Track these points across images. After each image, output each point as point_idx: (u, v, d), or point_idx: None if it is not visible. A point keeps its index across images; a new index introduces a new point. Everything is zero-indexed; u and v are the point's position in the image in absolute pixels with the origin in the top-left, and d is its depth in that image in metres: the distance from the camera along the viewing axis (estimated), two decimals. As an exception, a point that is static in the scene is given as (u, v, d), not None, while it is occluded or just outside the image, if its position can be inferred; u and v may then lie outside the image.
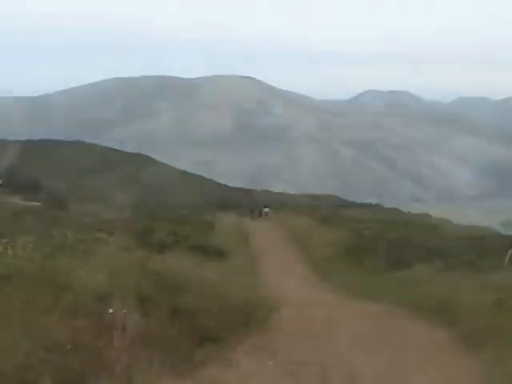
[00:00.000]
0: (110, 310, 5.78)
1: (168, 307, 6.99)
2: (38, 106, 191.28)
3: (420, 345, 7.92)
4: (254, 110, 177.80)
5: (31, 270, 5.90)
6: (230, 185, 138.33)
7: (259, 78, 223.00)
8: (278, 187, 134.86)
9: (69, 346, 5.18)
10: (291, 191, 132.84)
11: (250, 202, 60.84)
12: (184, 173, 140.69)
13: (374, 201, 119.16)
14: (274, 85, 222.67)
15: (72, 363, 5.05)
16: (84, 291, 5.84)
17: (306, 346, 7.75)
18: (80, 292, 5.79)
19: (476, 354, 7.18)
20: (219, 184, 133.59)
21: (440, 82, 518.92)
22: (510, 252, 14.87)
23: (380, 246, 20.84)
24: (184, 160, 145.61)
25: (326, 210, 45.89)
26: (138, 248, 9.57)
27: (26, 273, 5.78)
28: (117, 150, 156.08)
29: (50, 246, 6.89)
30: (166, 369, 5.98)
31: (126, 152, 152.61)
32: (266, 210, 43.70)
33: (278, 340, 8.20)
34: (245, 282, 12.99)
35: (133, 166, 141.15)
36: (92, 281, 6.14)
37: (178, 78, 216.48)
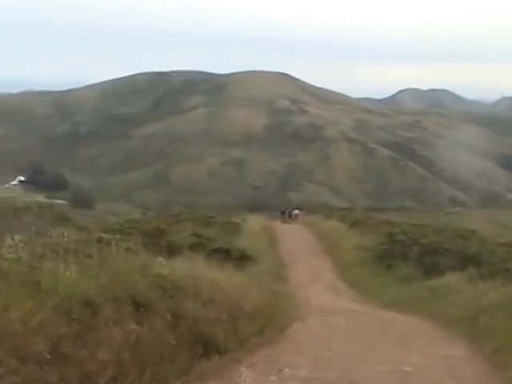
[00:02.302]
0: None
1: (168, 314, 6.51)
2: (64, 100, 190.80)
3: (441, 361, 7.27)
4: (287, 107, 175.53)
5: (15, 271, 5.50)
6: (262, 185, 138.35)
7: (293, 74, 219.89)
8: (311, 188, 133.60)
9: (48, 356, 4.76)
10: (325, 192, 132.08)
11: (282, 204, 60.57)
12: (214, 172, 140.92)
13: (411, 204, 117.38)
14: (309, 82, 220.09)
15: (48, 375, 4.63)
16: (71, 296, 5.41)
17: (318, 360, 7.19)
18: (66, 297, 5.37)
19: (501, 375, 6.52)
20: (250, 184, 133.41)
21: (482, 81, 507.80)
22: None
23: (412, 252, 20.11)
24: (214, 159, 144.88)
25: (359, 213, 45.11)
26: (145, 250, 9.11)
27: (9, 274, 5.39)
28: (145, 147, 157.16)
29: (42, 245, 6.49)
30: (158, 382, 5.52)
31: (155, 150, 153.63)
32: (296, 212, 43.32)
33: (290, 352, 7.67)
34: (266, 288, 12.51)
35: (161, 164, 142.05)
36: (82, 284, 5.71)
37: (209, 73, 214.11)
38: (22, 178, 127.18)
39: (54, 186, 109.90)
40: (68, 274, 5.72)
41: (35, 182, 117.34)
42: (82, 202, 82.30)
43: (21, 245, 6.15)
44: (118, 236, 8.67)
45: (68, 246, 6.76)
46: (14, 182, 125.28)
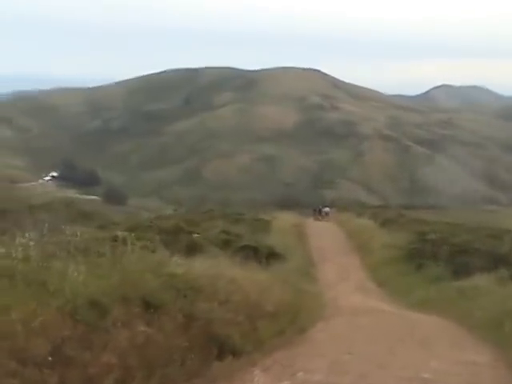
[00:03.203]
0: None
1: (180, 315, 6.35)
2: (94, 97, 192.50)
3: (463, 367, 6.96)
4: (319, 103, 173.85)
5: (22, 270, 5.40)
6: (293, 182, 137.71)
7: (325, 70, 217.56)
8: (344, 185, 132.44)
9: (49, 359, 4.65)
10: (358, 190, 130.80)
11: (315, 201, 60.32)
12: (245, 169, 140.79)
13: (445, 202, 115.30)
14: (341, 78, 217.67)
15: (48, 378, 4.52)
16: (78, 296, 5.29)
17: (335, 364, 6.95)
18: (72, 297, 5.25)
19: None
20: (281, 181, 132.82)
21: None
22: None
23: (442, 252, 19.65)
24: (245, 155, 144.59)
25: (392, 211, 44.57)
26: (165, 248, 8.97)
27: (15, 274, 5.29)
28: (176, 143, 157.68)
29: (54, 244, 6.40)
30: (166, 386, 5.38)
31: (186, 146, 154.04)
32: (327, 209, 43.17)
33: (307, 355, 7.44)
34: (291, 287, 12.30)
35: (193, 160, 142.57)
36: (90, 285, 5.59)
37: (240, 69, 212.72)
38: (54, 174, 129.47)
39: (87, 181, 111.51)
40: (76, 274, 5.60)
41: (68, 177, 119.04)
42: (115, 197, 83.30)
43: (31, 243, 6.06)
44: (133, 234, 8.53)
45: (80, 245, 6.66)
46: (47, 178, 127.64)
